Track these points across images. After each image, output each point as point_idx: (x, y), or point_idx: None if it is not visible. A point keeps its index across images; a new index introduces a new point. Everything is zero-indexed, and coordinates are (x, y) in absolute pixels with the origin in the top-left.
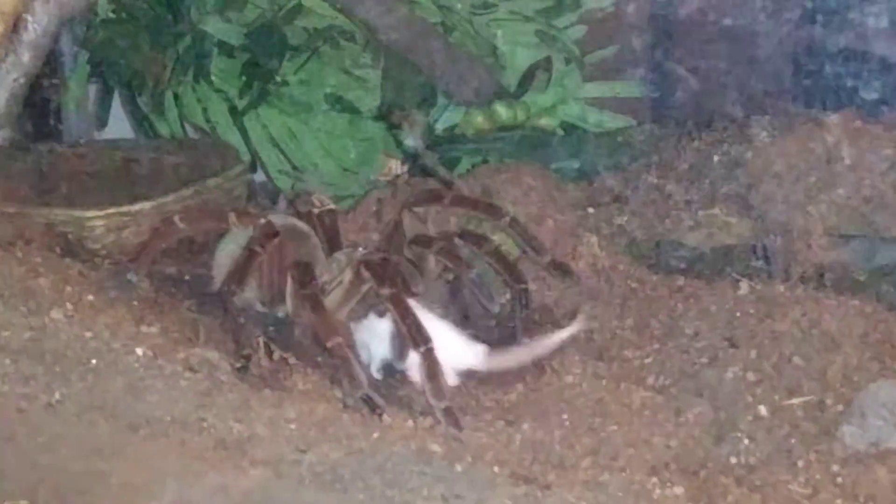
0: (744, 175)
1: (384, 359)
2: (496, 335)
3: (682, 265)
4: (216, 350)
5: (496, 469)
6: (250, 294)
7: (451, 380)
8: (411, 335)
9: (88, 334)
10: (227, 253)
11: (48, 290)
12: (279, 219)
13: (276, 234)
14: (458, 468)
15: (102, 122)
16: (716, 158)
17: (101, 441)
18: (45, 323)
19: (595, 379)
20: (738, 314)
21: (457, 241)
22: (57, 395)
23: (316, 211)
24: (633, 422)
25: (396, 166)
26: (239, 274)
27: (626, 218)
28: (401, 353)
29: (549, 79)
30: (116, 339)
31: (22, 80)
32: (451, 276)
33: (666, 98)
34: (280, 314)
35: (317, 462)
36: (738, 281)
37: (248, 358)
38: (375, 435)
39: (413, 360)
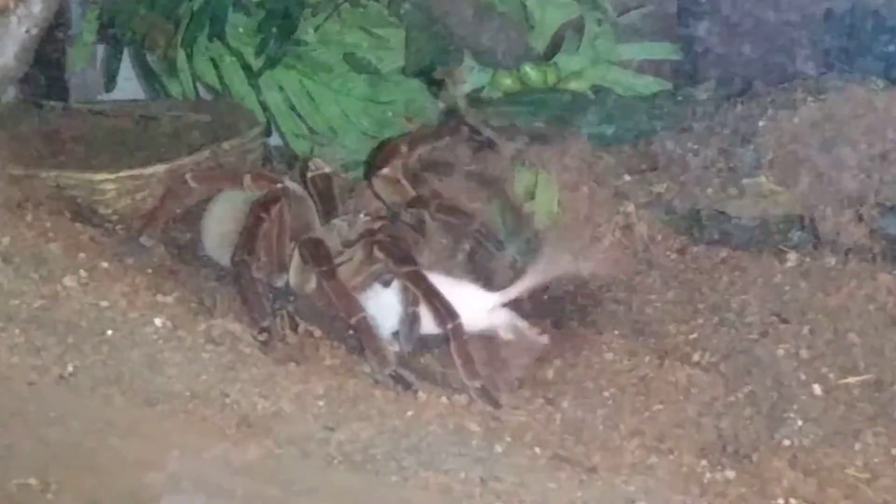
0: (790, 142)
1: (392, 329)
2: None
3: (725, 236)
4: (238, 321)
5: (537, 450)
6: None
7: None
8: (438, 313)
9: (104, 303)
10: (216, 216)
11: (60, 256)
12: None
13: (278, 199)
14: (498, 449)
15: (111, 83)
16: (760, 124)
17: (116, 416)
18: (57, 291)
19: (637, 355)
20: (787, 288)
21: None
22: (70, 368)
23: (310, 175)
24: (679, 401)
25: None
26: (248, 242)
27: (665, 186)
28: (412, 327)
29: (581, 40)
30: (133, 308)
31: (34, 32)
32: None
33: (704, 61)
34: (279, 284)
35: (346, 441)
36: (784, 252)
37: (268, 331)
38: (409, 413)
39: (426, 328)
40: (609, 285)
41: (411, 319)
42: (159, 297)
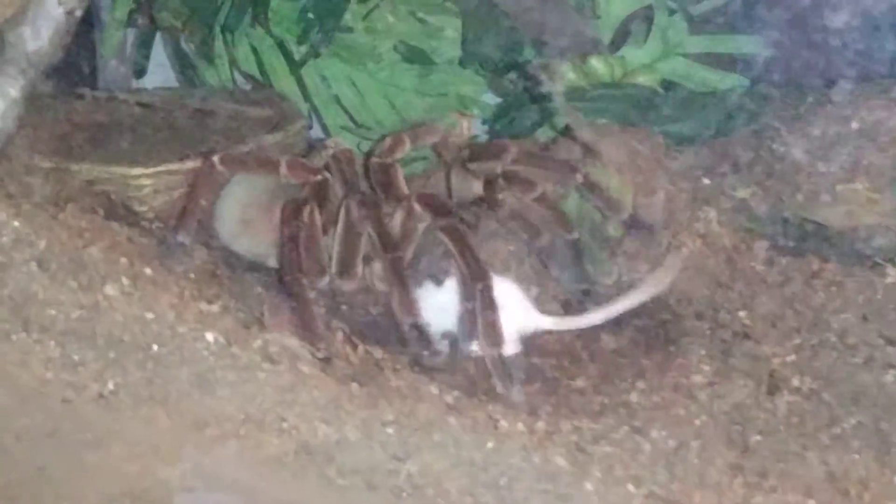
0: (890, 145)
1: (443, 332)
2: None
3: (817, 247)
4: (296, 337)
5: (631, 488)
6: (263, 248)
7: (511, 346)
8: (468, 269)
9: (149, 315)
10: (232, 203)
11: (100, 261)
12: None
13: (316, 195)
14: (588, 486)
15: (141, 69)
16: (854, 125)
17: (160, 440)
18: (97, 300)
19: (729, 379)
20: (891, 307)
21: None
22: (110, 385)
23: (330, 152)
24: (779, 431)
25: (470, 126)
26: (293, 252)
27: (749, 190)
28: (469, 328)
29: (650, 30)
30: (182, 321)
31: (76, 14)
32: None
33: (787, 55)
34: (320, 286)
35: (417, 473)
36: (883, 267)
37: (326, 349)
38: (489, 444)
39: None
40: (690, 299)
41: (470, 316)
42: (204, 306)
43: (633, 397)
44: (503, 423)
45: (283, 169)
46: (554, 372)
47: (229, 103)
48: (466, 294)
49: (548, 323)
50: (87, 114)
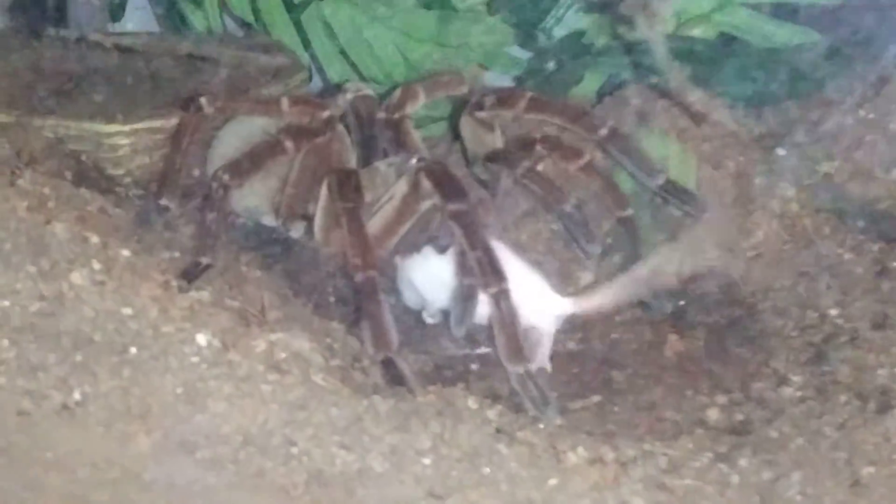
0: None
1: (442, 308)
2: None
3: None
4: (304, 335)
5: None
6: (257, 201)
7: (541, 356)
8: (482, 270)
9: (126, 310)
10: (222, 152)
11: (66, 240)
12: None
13: (315, 133)
14: None
15: (118, 12)
16: None
17: (138, 464)
18: (62, 291)
19: (825, 393)
20: None
21: (538, 149)
22: (76, 395)
23: (349, 96)
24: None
25: (478, 76)
26: (247, 164)
27: (835, 164)
28: (466, 307)
29: None
30: (167, 319)
31: None
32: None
33: (866, 7)
34: (295, 234)
35: None
36: None
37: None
38: (552, 481)
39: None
40: (766, 291)
41: (467, 294)
42: (195, 295)
43: (713, 414)
44: (571, 457)
45: (286, 105)
46: (613, 382)
47: (230, 49)
48: (466, 269)
49: (569, 306)
50: (53, 59)
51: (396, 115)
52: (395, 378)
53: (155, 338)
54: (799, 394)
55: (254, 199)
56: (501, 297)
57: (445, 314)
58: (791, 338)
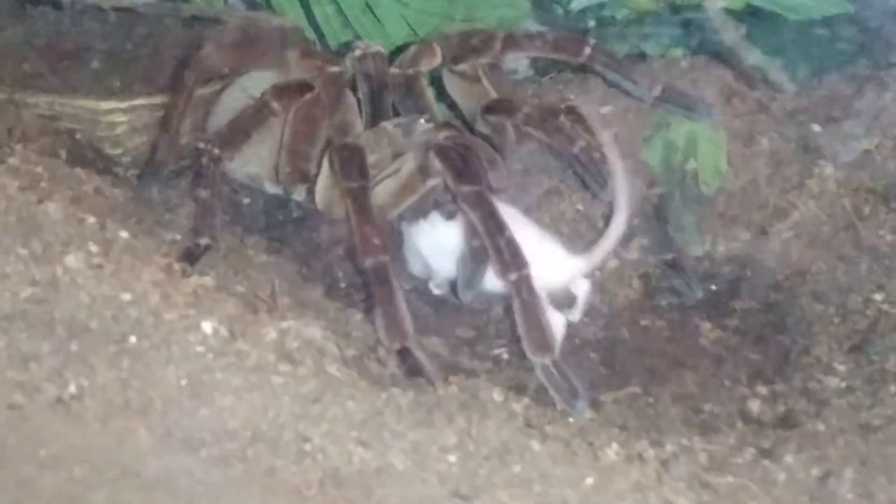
0: None
1: (449, 278)
2: None
3: None
4: (317, 323)
5: None
6: (256, 168)
7: (557, 328)
8: (500, 256)
9: (125, 296)
10: (224, 112)
11: (60, 221)
12: None
13: (306, 88)
14: None
15: None
16: None
17: (138, 461)
18: (56, 275)
19: (873, 384)
20: None
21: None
22: (72, 388)
23: (358, 53)
24: None
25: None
26: (236, 132)
27: (875, 142)
28: (474, 271)
29: None
30: (170, 305)
31: None
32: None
33: None
34: (297, 198)
35: None
36: None
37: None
38: (589, 480)
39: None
40: (804, 275)
41: (475, 259)
42: (198, 280)
43: (754, 406)
44: (609, 453)
45: (294, 57)
46: (646, 372)
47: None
48: (472, 231)
49: (579, 263)
50: (46, 27)
51: (410, 71)
52: (412, 369)
53: (156, 326)
54: (844, 384)
55: (253, 165)
56: (523, 284)
57: (453, 285)
58: (833, 324)
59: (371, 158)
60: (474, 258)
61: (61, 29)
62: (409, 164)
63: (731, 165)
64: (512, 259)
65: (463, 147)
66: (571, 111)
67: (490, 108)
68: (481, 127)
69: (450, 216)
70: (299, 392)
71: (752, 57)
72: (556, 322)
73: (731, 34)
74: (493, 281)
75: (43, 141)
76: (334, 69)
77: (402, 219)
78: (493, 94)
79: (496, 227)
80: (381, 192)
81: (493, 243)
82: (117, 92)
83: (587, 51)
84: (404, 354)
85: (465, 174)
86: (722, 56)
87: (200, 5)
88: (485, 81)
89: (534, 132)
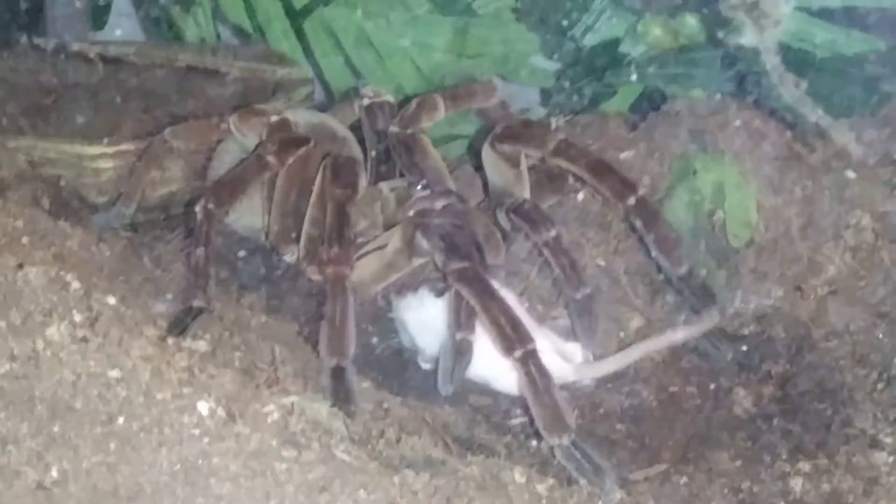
0: None
1: (434, 356)
2: None
3: None
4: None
5: None
6: (252, 220)
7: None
8: (500, 333)
9: (113, 373)
10: (228, 162)
11: (42, 287)
12: (302, 115)
13: (302, 142)
14: None
15: (100, 20)
16: None
17: None
18: (36, 348)
19: None
20: None
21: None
22: (54, 472)
23: (366, 102)
24: None
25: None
26: (231, 186)
27: None
28: (457, 364)
29: None
30: (163, 382)
31: None
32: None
33: None
34: (287, 257)
35: None
36: None
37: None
38: None
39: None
40: (842, 335)
41: (459, 349)
42: (193, 347)
43: (796, 485)
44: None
45: (235, 123)
46: (677, 446)
47: (238, 60)
48: (458, 320)
49: (585, 370)
50: (28, 71)
51: (409, 130)
52: (339, 391)
53: (147, 405)
54: (892, 458)
55: (248, 218)
56: (530, 360)
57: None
58: (877, 391)
59: (361, 224)
60: (457, 351)
61: (44, 72)
62: (395, 240)
63: (762, 216)
64: (514, 334)
65: (454, 224)
66: None
67: (518, 211)
68: (500, 218)
69: (439, 294)
70: (305, 479)
71: (815, 115)
72: (563, 367)
73: (790, 89)
74: (480, 370)
75: (24, 189)
76: (274, 119)
77: (391, 292)
78: (527, 191)
79: (492, 301)
80: (366, 266)
81: (491, 318)
82: (103, 137)
83: (631, 200)
84: (338, 374)
85: (452, 252)
86: (777, 112)
87: (196, 55)
88: (523, 169)
89: (549, 258)
